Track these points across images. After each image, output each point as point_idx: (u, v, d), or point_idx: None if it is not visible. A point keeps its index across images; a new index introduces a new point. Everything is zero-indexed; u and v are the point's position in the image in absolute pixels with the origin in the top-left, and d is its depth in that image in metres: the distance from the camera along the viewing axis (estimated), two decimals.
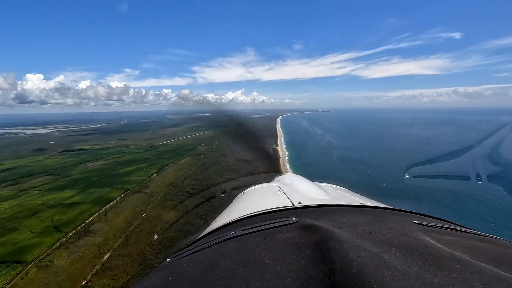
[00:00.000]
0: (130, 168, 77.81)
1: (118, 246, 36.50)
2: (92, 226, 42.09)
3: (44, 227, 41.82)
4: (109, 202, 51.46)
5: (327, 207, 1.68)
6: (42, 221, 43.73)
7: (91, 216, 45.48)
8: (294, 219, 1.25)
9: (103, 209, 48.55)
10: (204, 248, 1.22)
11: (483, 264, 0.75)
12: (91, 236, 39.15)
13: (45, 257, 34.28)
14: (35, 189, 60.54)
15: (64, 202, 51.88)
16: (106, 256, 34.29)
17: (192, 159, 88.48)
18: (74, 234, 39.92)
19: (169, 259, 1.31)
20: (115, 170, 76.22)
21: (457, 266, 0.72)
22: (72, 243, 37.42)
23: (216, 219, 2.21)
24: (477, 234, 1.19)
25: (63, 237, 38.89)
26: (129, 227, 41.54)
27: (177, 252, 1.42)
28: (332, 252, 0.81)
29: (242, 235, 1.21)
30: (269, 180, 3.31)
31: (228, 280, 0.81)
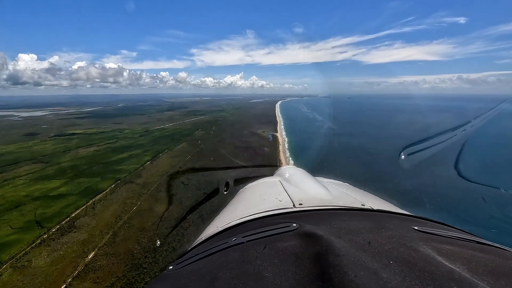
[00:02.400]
0: (123, 155, 74.39)
1: (104, 243, 33.59)
2: (78, 221, 39.07)
3: (26, 222, 38.77)
4: (98, 194, 48.30)
5: (328, 211, 1.70)
6: (24, 215, 40.67)
7: (77, 210, 42.41)
8: (295, 225, 1.29)
9: (91, 201, 45.44)
10: (206, 256, 1.25)
11: (482, 284, 0.74)
12: (75, 232, 36.18)
13: (22, 256, 31.36)
14: (21, 178, 57.14)
15: (50, 194, 48.68)
16: (91, 255, 31.40)
17: (188, 145, 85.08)
18: (57, 229, 36.91)
19: (171, 267, 1.32)
20: (107, 158, 72.75)
21: None
22: (54, 240, 34.45)
23: (218, 217, 2.21)
24: (478, 242, 1.19)
25: (45, 233, 35.88)
26: (118, 222, 38.57)
27: (179, 260, 1.41)
28: (331, 268, 0.81)
29: (243, 242, 1.23)
30: (271, 172, 3.33)
31: None
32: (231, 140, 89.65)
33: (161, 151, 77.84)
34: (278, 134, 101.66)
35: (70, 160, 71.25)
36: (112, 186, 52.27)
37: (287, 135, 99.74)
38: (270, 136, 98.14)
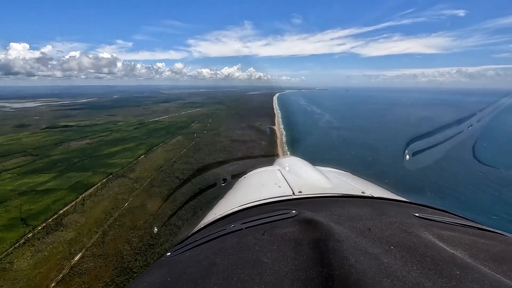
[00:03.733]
0: (116, 149, 72.02)
1: (93, 243, 31.57)
2: (66, 218, 36.94)
3: (10, 219, 36.54)
4: (88, 189, 46.12)
5: (328, 198, 1.69)
6: (9, 212, 38.41)
7: (65, 206, 40.26)
8: (294, 211, 1.28)
9: (80, 197, 43.29)
10: (204, 243, 1.24)
11: (484, 269, 0.73)
12: (62, 231, 34.09)
13: (4, 257, 29.20)
14: (8, 172, 54.71)
15: (38, 189, 46.41)
16: (77, 256, 29.41)
17: (184, 139, 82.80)
18: (43, 228, 34.78)
19: (169, 253, 1.32)
20: (99, 151, 70.37)
21: (458, 272, 0.71)
22: (39, 239, 32.35)
23: (217, 206, 2.19)
24: (479, 229, 1.19)
25: (30, 231, 33.78)
26: (108, 220, 36.53)
27: (177, 246, 1.41)
28: (331, 253, 0.80)
29: (242, 229, 1.23)
30: (271, 162, 3.36)
31: (226, 282, 0.80)
32: (228, 133, 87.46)
33: (155, 144, 75.58)
34: (276, 128, 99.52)
35: (61, 153, 68.79)
36: (104, 180, 50.08)
37: (285, 128, 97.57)
38: (268, 130, 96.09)
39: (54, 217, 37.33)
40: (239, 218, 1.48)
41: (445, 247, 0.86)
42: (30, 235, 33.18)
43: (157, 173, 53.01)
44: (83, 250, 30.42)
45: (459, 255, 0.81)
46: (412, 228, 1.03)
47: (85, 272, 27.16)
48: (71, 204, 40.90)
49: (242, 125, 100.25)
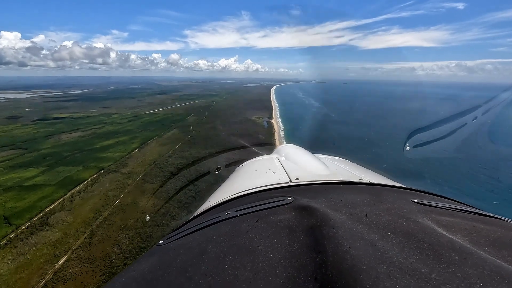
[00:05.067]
0: (109, 142, 69.70)
1: (79, 245, 29.62)
2: (52, 217, 34.88)
3: None
4: (78, 185, 44.01)
5: (325, 184, 1.67)
6: None
7: (52, 203, 38.17)
8: (290, 198, 1.26)
9: (69, 193, 41.19)
10: (197, 230, 1.23)
11: (484, 254, 0.72)
12: (47, 231, 32.07)
13: None
14: None
15: (24, 184, 44.20)
16: (62, 260, 27.47)
17: (179, 132, 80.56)
18: (27, 227, 32.76)
19: (161, 241, 1.30)
20: (91, 144, 67.98)
21: (456, 258, 0.70)
22: (22, 240, 30.34)
23: (214, 194, 2.17)
24: (479, 214, 1.18)
25: (12, 231, 31.73)
26: (97, 219, 34.54)
27: (171, 233, 1.40)
28: (325, 240, 0.79)
29: (236, 216, 1.21)
30: (270, 151, 3.33)
31: (217, 269, 0.79)
32: (224, 126, 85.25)
33: (150, 137, 73.29)
34: (273, 121, 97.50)
35: (51, 147, 66.34)
36: (95, 176, 47.97)
37: (282, 121, 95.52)
38: (265, 123, 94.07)
39: (40, 215, 35.28)
40: (234, 205, 1.46)
41: (444, 233, 0.85)
42: (13, 235, 31.13)
43: (151, 168, 50.94)
44: (69, 252, 28.47)
45: (458, 240, 0.80)
46: (410, 214, 1.01)
47: (69, 278, 25.24)
48: (58, 201, 38.81)
49: (239, 118, 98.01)
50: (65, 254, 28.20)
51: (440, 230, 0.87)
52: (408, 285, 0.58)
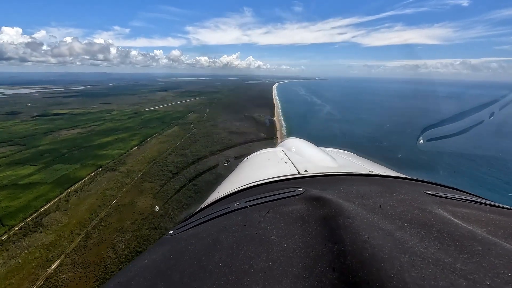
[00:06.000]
0: (108, 139, 68.41)
1: (74, 248, 28.36)
2: (47, 217, 33.63)
3: None
4: (75, 183, 42.74)
5: (335, 176, 1.65)
6: None
7: (48, 203, 36.91)
8: (301, 189, 1.25)
9: (65, 192, 39.93)
10: (207, 221, 1.22)
11: (507, 245, 0.69)
12: (41, 232, 30.83)
13: None
14: None
15: (20, 182, 42.99)
16: (55, 264, 26.21)
17: (180, 129, 79.14)
18: (20, 228, 31.53)
19: (171, 232, 1.29)
20: (90, 141, 66.70)
21: (479, 248, 0.67)
22: (14, 242, 29.08)
23: (220, 186, 2.16)
24: (494, 206, 1.15)
25: (5, 233, 30.47)
26: (93, 220, 33.28)
27: (180, 224, 1.40)
28: (342, 229, 0.77)
29: (246, 207, 1.20)
30: (274, 145, 3.29)
31: (231, 259, 0.78)
32: (225, 124, 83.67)
33: (150, 135, 71.90)
34: (275, 119, 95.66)
35: (50, 143, 65.14)
36: (92, 174, 46.70)
37: (285, 120, 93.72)
38: (267, 121, 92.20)
39: (34, 215, 34.04)
40: (243, 196, 1.46)
41: (463, 224, 0.83)
42: (5, 237, 29.86)
43: (150, 166, 49.63)
44: (62, 256, 27.20)
45: (478, 231, 0.78)
46: (426, 205, 0.99)
47: (61, 285, 23.96)
48: (54, 201, 37.57)
49: (241, 116, 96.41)
50: (58, 258, 26.96)
51: (457, 221, 0.85)
52: (434, 275, 0.56)
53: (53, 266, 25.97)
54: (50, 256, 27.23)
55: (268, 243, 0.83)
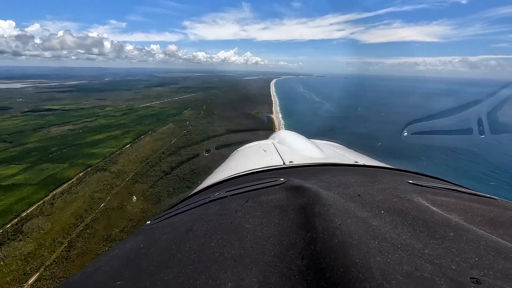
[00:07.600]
0: (100, 136, 65.64)
1: (55, 260, 25.89)
2: (28, 223, 31.05)
3: None
4: (62, 185, 40.12)
5: (319, 166, 1.67)
6: None
7: (30, 206, 34.29)
8: (282, 179, 1.26)
9: (50, 194, 37.31)
10: (185, 211, 1.23)
11: (480, 231, 0.71)
12: (20, 241, 28.29)
13: None
14: None
15: (2, 183, 40.25)
16: (32, 279, 23.74)
17: (175, 126, 76.43)
18: None
19: (149, 222, 1.31)
20: (81, 139, 63.83)
21: (451, 234, 0.69)
22: None
23: (208, 178, 2.19)
24: (475, 195, 1.18)
25: None
26: (78, 226, 30.80)
27: (159, 215, 1.41)
28: (316, 217, 0.78)
29: (226, 196, 1.21)
30: (266, 137, 3.34)
31: (202, 248, 0.79)
32: (222, 121, 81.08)
33: (143, 132, 69.13)
34: (273, 116, 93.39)
35: (38, 141, 62.16)
36: (81, 174, 44.08)
37: (283, 117, 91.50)
38: (265, 118, 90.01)
39: (14, 221, 31.42)
40: (225, 186, 1.47)
41: (439, 211, 0.85)
42: None
43: (142, 166, 47.07)
44: (41, 269, 24.73)
45: (454, 218, 0.80)
46: (405, 193, 1.01)
47: None
48: (37, 204, 34.95)
49: (238, 113, 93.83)
50: (36, 271, 24.49)
51: (435, 209, 0.87)
52: (400, 260, 0.57)
53: (30, 281, 23.52)
54: (28, 269, 24.74)
55: (243, 231, 0.83)
